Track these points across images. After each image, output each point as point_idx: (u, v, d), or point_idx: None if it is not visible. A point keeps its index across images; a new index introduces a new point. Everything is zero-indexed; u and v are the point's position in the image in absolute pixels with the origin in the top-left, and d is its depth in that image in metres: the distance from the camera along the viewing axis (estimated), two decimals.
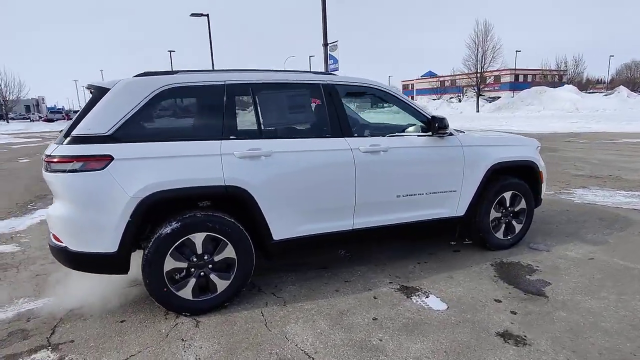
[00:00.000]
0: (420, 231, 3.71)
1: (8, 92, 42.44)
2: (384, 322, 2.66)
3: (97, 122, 2.54)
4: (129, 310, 2.85)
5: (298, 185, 2.95)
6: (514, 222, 3.90)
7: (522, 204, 3.88)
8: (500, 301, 2.90)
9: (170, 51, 41.30)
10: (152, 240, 2.58)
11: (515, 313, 2.73)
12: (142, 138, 2.62)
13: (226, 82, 2.87)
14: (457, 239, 4.09)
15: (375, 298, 3.00)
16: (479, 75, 36.26)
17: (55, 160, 2.47)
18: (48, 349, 2.43)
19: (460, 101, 49.59)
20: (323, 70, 3.66)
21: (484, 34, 35.85)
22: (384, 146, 3.23)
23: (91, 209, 2.49)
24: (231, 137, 2.80)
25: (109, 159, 2.49)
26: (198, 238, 2.69)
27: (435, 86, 61.03)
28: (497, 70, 37.55)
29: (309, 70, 3.32)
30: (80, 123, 2.54)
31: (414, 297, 3.00)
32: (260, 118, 2.94)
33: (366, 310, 2.81)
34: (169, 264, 2.63)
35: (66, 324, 2.70)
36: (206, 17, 25.64)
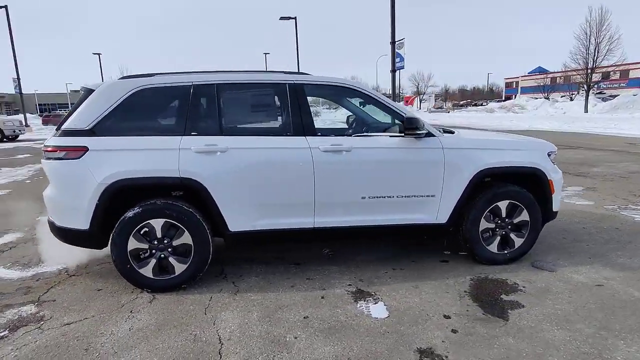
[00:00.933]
0: (397, 236, 3.55)
1: None
2: (312, 321, 2.66)
3: (80, 118, 3.00)
4: (110, 281, 3.29)
5: (253, 180, 3.08)
6: (512, 236, 3.50)
7: (524, 216, 3.45)
8: (449, 317, 2.67)
9: (266, 53, 44.08)
10: (118, 222, 2.96)
11: (455, 332, 2.50)
12: (115, 132, 3.01)
13: (193, 83, 3.13)
14: (446, 248, 3.80)
15: (322, 298, 2.99)
16: (589, 70, 31.56)
17: (48, 149, 2.99)
18: (34, 304, 2.96)
19: (572, 99, 43.84)
20: (299, 71, 3.71)
21: (599, 23, 31.04)
22: (347, 146, 3.17)
23: (69, 191, 2.96)
24: (192, 133, 3.05)
25: (84, 149, 2.92)
26: (157, 223, 2.99)
27: (543, 83, 54.81)
28: (615, 65, 32.19)
29: (283, 70, 3.39)
30: (69, 119, 3.02)
31: (362, 301, 2.92)
32: (222, 116, 3.14)
33: (304, 308, 2.83)
34: (132, 244, 2.99)
35: (59, 287, 3.24)
36: (294, 19, 26.84)
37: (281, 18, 26.37)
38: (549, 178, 3.47)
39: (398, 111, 3.33)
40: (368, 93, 3.37)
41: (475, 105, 55.78)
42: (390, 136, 3.27)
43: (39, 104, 75.78)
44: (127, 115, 3.07)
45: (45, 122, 33.98)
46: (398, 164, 3.26)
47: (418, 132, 3.16)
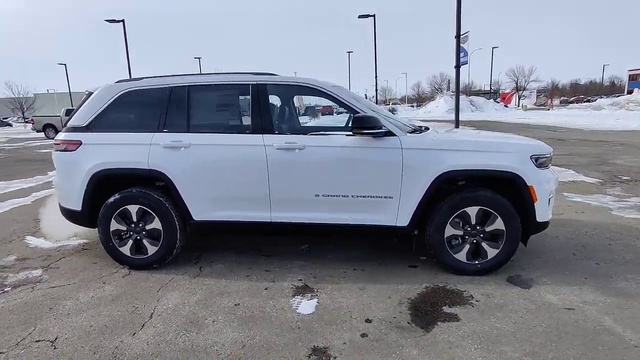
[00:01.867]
0: (357, 235, 3.48)
1: None
2: (239, 309, 2.81)
3: (80, 117, 3.56)
4: (107, 257, 3.83)
5: (212, 174, 3.33)
6: (485, 245, 3.21)
7: (498, 225, 3.14)
8: (370, 321, 2.61)
9: (349, 52, 44.41)
10: (103, 206, 3.45)
11: (364, 336, 2.45)
12: (104, 129, 3.50)
13: (170, 85, 3.49)
14: (419, 253, 3.61)
15: (266, 289, 3.12)
16: None
17: (56, 143, 3.60)
18: (42, 269, 3.61)
19: None
20: (268, 72, 3.76)
21: None
22: (301, 144, 3.23)
23: (67, 178, 3.53)
24: (164, 130, 3.41)
25: (79, 143, 3.47)
26: (133, 209, 3.42)
27: None
28: None
29: (257, 72, 3.56)
30: (72, 117, 3.60)
31: (299, 296, 2.98)
32: (190, 115, 3.44)
33: (241, 297, 2.99)
34: (113, 225, 3.46)
35: (68, 258, 3.88)
36: (373, 17, 26.62)
37: (360, 16, 26.33)
38: (528, 184, 3.10)
39: (357, 110, 3.27)
40: (327, 91, 3.36)
41: (588, 101, 48.83)
42: (347, 135, 3.24)
43: None
44: (115, 114, 3.54)
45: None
46: (353, 163, 3.21)
47: (366, 131, 3.08)
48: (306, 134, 3.31)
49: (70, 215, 3.64)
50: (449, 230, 3.20)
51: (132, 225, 3.46)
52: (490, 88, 56.19)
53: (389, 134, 3.19)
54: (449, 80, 72.94)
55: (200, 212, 3.40)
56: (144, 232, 3.47)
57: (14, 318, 2.76)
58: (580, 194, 5.93)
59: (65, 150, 3.51)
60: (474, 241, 3.21)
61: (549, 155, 3.30)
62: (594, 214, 4.90)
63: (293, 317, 2.69)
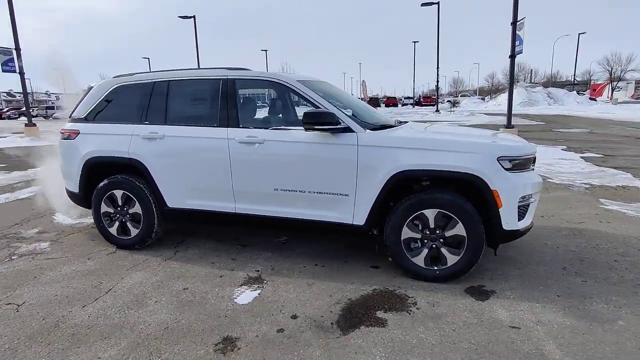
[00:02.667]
0: (318, 232, 3.43)
1: None
2: (184, 293, 2.97)
3: (80, 109, 3.96)
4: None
5: (183, 164, 3.52)
6: (444, 251, 3.01)
7: (459, 230, 2.93)
8: (295, 317, 2.61)
9: (415, 42, 42.87)
10: (95, 190, 3.83)
11: (280, 331, 2.46)
12: (98, 120, 3.86)
13: (153, 80, 3.73)
14: (378, 253, 3.47)
15: (221, 277, 3.25)
16: None
17: (61, 132, 4.04)
18: (50, 242, 4.10)
19: None
20: (241, 67, 3.78)
21: None
22: (260, 138, 3.28)
23: (68, 163, 3.96)
24: (145, 122, 3.66)
25: (77, 132, 3.86)
26: (118, 193, 3.75)
27: None
28: None
29: (232, 67, 3.65)
30: (75, 109, 4.02)
31: (245, 286, 3.07)
32: (168, 108, 3.64)
33: (193, 282, 3.15)
34: (103, 208, 3.83)
35: (75, 234, 4.35)
36: (437, 4, 25.39)
37: (423, 4, 25.26)
38: (492, 188, 2.84)
39: (317, 105, 3.22)
40: (291, 86, 3.35)
41: None
42: (306, 130, 3.21)
43: None
44: (107, 106, 3.88)
45: None
46: (309, 158, 3.19)
47: (318, 127, 3.03)
48: (267, 128, 3.35)
49: (71, 196, 4.09)
50: (406, 233, 3.05)
51: (118, 209, 3.80)
52: (574, 78, 50.58)
53: (347, 130, 3.11)
54: (531, 70, 67.07)
55: (173, 200, 3.62)
56: (128, 216, 3.78)
57: (3, 282, 3.20)
58: (621, 202, 5.23)
59: (67, 138, 3.94)
60: (433, 246, 3.03)
61: (526, 157, 2.98)
62: (620, 225, 4.31)
63: (227, 306, 2.78)
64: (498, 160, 2.86)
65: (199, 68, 3.77)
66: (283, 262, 3.51)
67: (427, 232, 3.02)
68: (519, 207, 2.92)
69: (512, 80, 11.10)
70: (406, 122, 3.86)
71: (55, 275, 3.32)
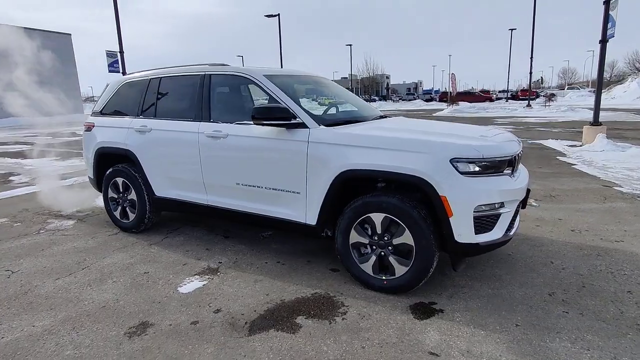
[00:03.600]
0: (274, 228, 3.34)
1: (370, 74, 54.34)
2: (142, 277, 3.17)
3: (98, 104, 4.43)
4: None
5: (163, 156, 3.74)
6: (392, 260, 2.74)
7: (406, 238, 2.64)
8: (218, 312, 2.62)
9: (512, 29, 39.14)
10: (104, 177, 4.27)
11: (194, 324, 2.49)
12: (109, 114, 4.28)
13: (149, 77, 4.01)
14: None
15: (184, 265, 3.39)
16: None
17: (84, 124, 4.57)
18: (75, 220, 4.69)
19: None
20: (221, 63, 3.74)
21: None
22: (224, 133, 3.32)
23: (87, 152, 4.46)
24: (140, 116, 3.96)
25: (93, 125, 4.34)
26: (119, 180, 4.13)
27: None
28: None
29: (214, 63, 3.73)
30: (96, 105, 4.51)
31: (198, 276, 3.16)
32: (158, 102, 3.88)
33: (157, 267, 3.34)
34: (110, 193, 4.26)
35: (101, 215, 4.91)
36: None
37: None
38: (440, 194, 2.49)
39: (277, 100, 3.14)
40: (256, 80, 3.30)
41: None
42: (254, 125, 3.15)
43: None
44: (116, 102, 4.28)
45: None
46: (265, 154, 3.14)
47: (265, 122, 2.96)
48: (232, 123, 3.37)
49: (90, 181, 4.62)
50: (355, 237, 2.85)
51: (120, 194, 4.19)
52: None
53: (301, 125, 3.00)
54: None
55: (159, 189, 3.87)
56: (127, 201, 4.15)
57: (17, 251, 3.76)
58: None
59: (87, 130, 4.45)
60: (382, 253, 2.78)
61: (493, 159, 2.55)
62: None
63: (167, 293, 2.90)
64: (451, 162, 2.50)
65: (188, 65, 3.92)
66: (250, 256, 3.53)
67: (376, 238, 2.78)
68: (478, 217, 2.52)
69: (601, 69, 9.46)
70: (385, 116, 3.59)
71: (58, 249, 3.80)
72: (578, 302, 2.65)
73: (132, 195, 4.07)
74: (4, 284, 3.11)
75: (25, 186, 6.82)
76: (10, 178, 7.62)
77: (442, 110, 30.07)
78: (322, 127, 2.98)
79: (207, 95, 3.55)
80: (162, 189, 3.86)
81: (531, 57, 23.75)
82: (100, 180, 4.37)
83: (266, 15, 29.87)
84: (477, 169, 2.52)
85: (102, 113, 4.37)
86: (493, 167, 2.58)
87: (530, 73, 25.71)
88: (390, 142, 2.69)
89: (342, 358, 2.14)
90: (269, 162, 3.13)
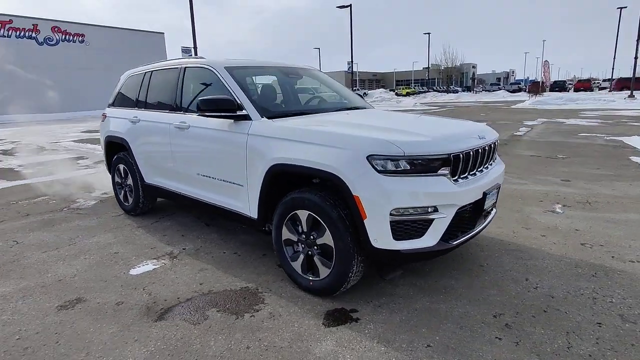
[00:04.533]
0: (230, 219, 3.33)
1: (448, 64, 51.10)
2: (110, 257, 3.42)
3: (112, 96, 4.84)
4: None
5: (147, 145, 3.96)
6: (316, 260, 2.60)
7: (327, 239, 2.48)
8: (148, 295, 2.73)
9: (621, 7, 34.14)
10: (111, 163, 4.68)
11: (119, 304, 2.63)
12: (117, 105, 4.66)
13: (145, 71, 4.26)
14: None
15: (152, 249, 3.58)
16: None
17: (101, 115, 5.03)
18: (98, 201, 5.22)
19: None
20: (200, 56, 3.69)
21: None
22: (187, 124, 3.41)
23: (101, 140, 4.91)
24: (136, 107, 4.24)
25: (105, 116, 4.76)
26: (121, 167, 4.49)
27: None
28: None
29: (199, 57, 3.80)
30: (111, 96, 4.93)
31: (155, 260, 3.32)
32: (148, 94, 4.10)
33: (129, 248, 3.58)
34: (115, 178, 4.66)
35: (106, 199, 5.39)
36: None
37: None
38: (353, 193, 2.27)
39: (231, 93, 3.10)
40: (216, 72, 3.27)
41: None
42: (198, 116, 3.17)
43: (396, 80, 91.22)
44: (122, 94, 4.63)
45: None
46: (216, 146, 3.16)
47: (208, 113, 2.95)
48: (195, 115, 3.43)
49: (106, 167, 5.09)
50: (286, 233, 2.75)
51: (122, 180, 4.56)
52: None
53: (246, 117, 2.95)
54: None
55: (147, 176, 4.13)
56: (127, 186, 4.51)
57: (34, 225, 4.30)
58: None
59: (102, 120, 4.90)
60: (309, 252, 2.64)
61: (422, 157, 2.26)
62: None
63: (118, 273, 3.10)
64: (368, 159, 2.27)
65: (175, 59, 4.08)
66: (215, 245, 3.61)
67: (304, 237, 2.65)
68: (399, 221, 2.26)
69: None
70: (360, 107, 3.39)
71: (64, 226, 4.27)
72: (524, 329, 2.25)
73: (129, 181, 4.40)
74: (3, 252, 3.59)
75: (85, 169, 7.75)
76: (78, 161, 8.71)
77: (522, 102, 27.30)
78: (263, 119, 2.91)
79: (181, 88, 3.67)
80: (149, 176, 4.11)
81: (638, 40, 20.21)
82: (110, 166, 4.80)
83: (338, 7, 29.78)
84: (397, 167, 2.25)
85: (112, 104, 4.77)
86: (420, 166, 2.28)
87: (636, 58, 21.94)
88: (313, 136, 2.53)
89: (221, 356, 2.10)
90: (219, 154, 3.15)
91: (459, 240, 2.48)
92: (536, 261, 3.10)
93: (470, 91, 59.18)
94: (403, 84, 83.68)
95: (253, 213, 2.98)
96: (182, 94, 3.65)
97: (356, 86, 68.63)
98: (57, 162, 8.45)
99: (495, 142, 2.90)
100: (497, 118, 16.53)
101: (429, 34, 43.56)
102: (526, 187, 5.34)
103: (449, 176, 2.36)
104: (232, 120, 3.02)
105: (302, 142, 2.55)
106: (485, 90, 56.54)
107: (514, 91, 49.55)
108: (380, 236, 2.28)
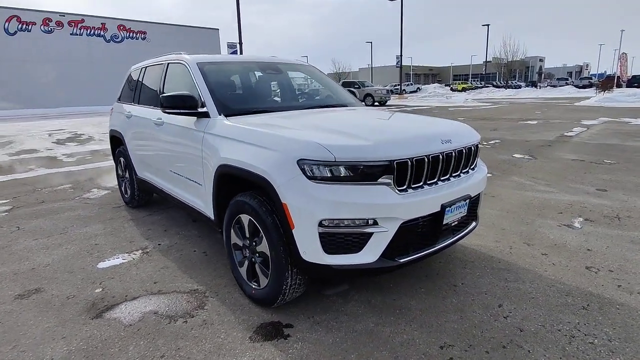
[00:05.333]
0: (199, 217, 3.25)
1: (508, 57, 47.66)
2: (89, 248, 3.51)
3: (120, 90, 5.00)
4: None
5: (136, 140, 4.02)
6: (257, 268, 2.45)
7: (264, 247, 2.32)
8: (100, 289, 2.74)
9: None
10: (115, 155, 4.84)
11: (70, 298, 2.67)
12: (121, 100, 4.79)
13: (141, 67, 4.32)
14: None
15: (130, 242, 3.63)
16: None
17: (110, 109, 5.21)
18: (109, 191, 5.45)
19: None
20: (180, 52, 3.55)
21: None
22: (162, 120, 3.39)
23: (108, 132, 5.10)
24: (132, 103, 4.33)
25: (112, 111, 4.93)
26: (122, 161, 4.62)
27: None
28: None
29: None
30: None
31: (126, 254, 3.35)
32: (141, 90, 4.15)
33: (108, 240, 3.66)
34: (118, 170, 4.82)
35: (117, 190, 5.59)
36: None
37: None
38: (282, 200, 2.08)
39: (198, 90, 3.00)
40: (188, 68, 3.21)
41: None
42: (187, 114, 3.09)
43: (453, 75, 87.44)
44: (125, 89, 4.75)
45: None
46: (180, 142, 3.11)
47: (169, 110, 2.87)
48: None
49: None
50: (233, 237, 2.63)
51: (123, 173, 4.70)
52: None
53: (206, 115, 2.86)
54: None
55: (139, 170, 4.21)
56: (126, 179, 4.64)
57: (42, 212, 4.57)
58: None
59: (110, 114, 5.08)
60: (252, 259, 2.50)
61: (353, 163, 2.02)
62: None
63: (86, 266, 3.16)
64: (298, 164, 2.06)
65: (168, 54, 4.08)
66: (189, 243, 3.58)
67: (247, 242, 2.51)
68: (329, 234, 2.04)
69: None
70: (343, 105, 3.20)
71: (66, 215, 4.49)
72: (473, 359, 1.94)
73: (127, 175, 4.52)
74: (4, 236, 3.83)
75: None
76: None
77: (588, 99, 24.79)
78: (220, 117, 2.79)
79: (163, 84, 3.67)
80: (140, 170, 4.18)
81: None
82: (114, 159, 4.98)
83: None
84: (329, 174, 2.03)
85: (119, 99, 4.92)
86: (356, 173, 2.03)
87: None
88: (252, 137, 2.37)
89: (101, 354, 2.03)
90: (184, 151, 3.09)
91: (409, 258, 2.20)
92: (521, 284, 2.71)
93: (534, 86, 55.11)
94: (461, 78, 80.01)
95: (210, 213, 2.89)
96: (164, 90, 3.65)
97: (409, 81, 66.64)
98: (98, 152, 9.02)
99: (470, 147, 2.54)
100: (552, 116, 15.15)
101: (487, 25, 40.96)
102: (550, 196, 4.76)
103: (392, 185, 2.09)
104: (196, 118, 2.94)
105: (243, 142, 2.40)
106: (551, 86, 52.26)
107: (583, 87, 45.32)
108: (309, 249, 2.07)
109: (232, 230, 2.61)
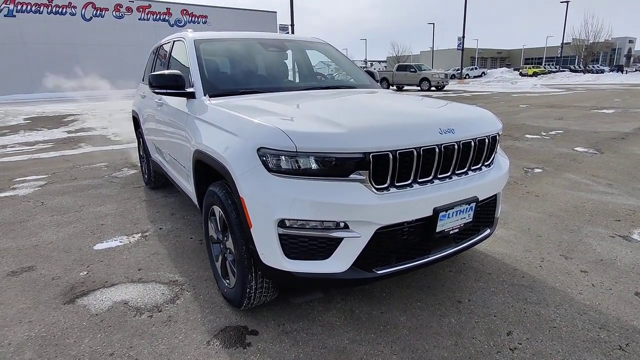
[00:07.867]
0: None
1: (589, 38, 42.78)
2: (94, 227, 3.53)
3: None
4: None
5: (148, 120, 3.96)
6: (228, 264, 2.23)
7: (230, 243, 2.09)
8: (82, 273, 2.70)
9: None
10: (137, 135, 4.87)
11: (54, 279, 2.65)
12: (144, 81, 4.78)
13: (156, 46, 4.23)
14: None
15: (134, 224, 3.60)
16: None
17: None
18: (131, 170, 5.56)
19: None
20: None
21: None
22: (162, 101, 3.25)
23: None
24: (145, 82, 4.27)
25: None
26: (141, 142, 4.63)
27: None
28: None
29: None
30: None
31: (125, 237, 3.31)
32: (152, 70, 4.06)
33: (116, 220, 3.66)
34: (140, 152, 4.85)
35: (135, 172, 5.66)
36: None
37: None
38: (240, 194, 1.81)
39: (190, 68, 2.80)
40: (186, 46, 3.00)
41: None
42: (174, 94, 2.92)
43: (525, 58, 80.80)
44: (147, 68, 4.72)
45: None
46: (173, 123, 2.94)
47: (158, 90, 2.69)
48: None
49: None
50: (211, 229, 2.43)
51: (142, 154, 4.71)
52: None
53: (193, 95, 2.66)
54: None
55: (152, 152, 4.17)
56: (144, 161, 4.65)
57: (69, 190, 4.73)
58: None
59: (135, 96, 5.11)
60: (225, 255, 2.28)
61: (320, 154, 1.69)
62: None
63: (83, 246, 3.15)
64: (259, 153, 1.78)
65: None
66: (189, 229, 3.47)
67: (221, 236, 2.29)
68: (291, 236, 1.75)
69: None
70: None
71: (89, 193, 4.61)
72: None
73: (145, 155, 4.52)
74: (25, 211, 4.00)
75: None
76: None
77: None
78: (204, 97, 2.57)
79: (168, 62, 3.53)
80: (152, 152, 4.14)
81: None
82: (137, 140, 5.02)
83: None
84: (291, 166, 1.72)
85: (142, 80, 4.92)
86: (322, 166, 1.70)
87: None
88: (224, 120, 2.13)
89: (79, 357, 1.91)
90: (175, 134, 2.94)
91: (390, 270, 1.85)
92: (543, 308, 2.23)
93: (620, 71, 49.12)
94: (533, 62, 73.68)
95: (196, 201, 2.72)
96: (169, 69, 3.50)
97: (474, 65, 62.52)
98: None
99: (484, 138, 2.08)
100: (634, 105, 13.26)
101: (567, 1, 36.75)
102: (609, 199, 4.03)
103: (367, 183, 1.74)
104: (186, 99, 2.76)
105: (215, 125, 2.17)
106: (638, 70, 46.32)
107: None
108: (267, 251, 1.80)
109: (209, 221, 2.41)
